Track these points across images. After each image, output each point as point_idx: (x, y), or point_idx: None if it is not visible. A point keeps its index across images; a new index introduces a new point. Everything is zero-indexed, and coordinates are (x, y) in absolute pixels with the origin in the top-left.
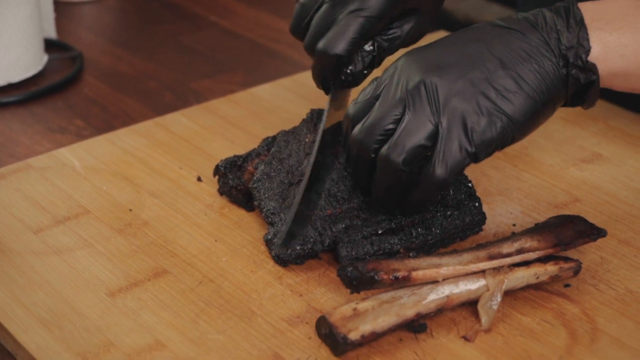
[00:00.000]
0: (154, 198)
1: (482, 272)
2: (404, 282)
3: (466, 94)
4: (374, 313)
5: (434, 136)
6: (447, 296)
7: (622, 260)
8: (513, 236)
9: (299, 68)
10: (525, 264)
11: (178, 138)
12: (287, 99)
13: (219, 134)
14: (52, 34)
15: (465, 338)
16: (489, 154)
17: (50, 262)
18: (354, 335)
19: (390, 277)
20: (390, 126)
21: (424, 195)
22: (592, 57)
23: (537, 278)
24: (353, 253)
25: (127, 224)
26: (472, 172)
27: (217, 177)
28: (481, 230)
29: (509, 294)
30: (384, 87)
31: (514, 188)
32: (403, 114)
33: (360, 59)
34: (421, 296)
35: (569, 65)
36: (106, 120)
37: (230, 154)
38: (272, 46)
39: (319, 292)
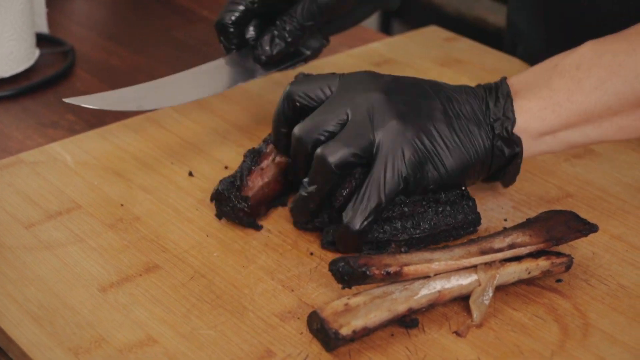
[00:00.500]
0: (145, 193)
1: (474, 267)
2: (396, 278)
3: (409, 125)
4: (365, 308)
5: (369, 151)
6: (439, 291)
7: (614, 255)
8: (504, 231)
9: None
10: (517, 259)
11: (169, 133)
12: (279, 94)
13: (211, 128)
14: (43, 28)
15: (457, 333)
16: (417, 190)
17: (41, 257)
18: (345, 331)
19: (382, 272)
20: (332, 128)
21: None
22: (518, 127)
23: (529, 273)
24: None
25: (119, 219)
26: None
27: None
28: (476, 230)
29: (500, 289)
30: (337, 91)
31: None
32: (347, 121)
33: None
34: (413, 291)
35: (494, 137)
36: (98, 115)
37: (222, 149)
38: None
39: (310, 287)
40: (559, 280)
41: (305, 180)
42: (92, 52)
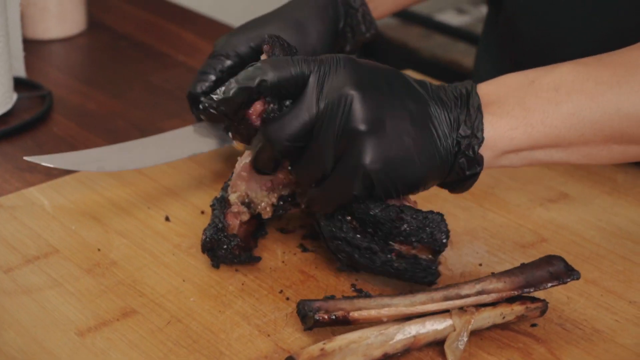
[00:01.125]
0: (122, 238)
1: (448, 312)
2: (344, 322)
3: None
4: (341, 353)
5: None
6: (414, 336)
7: (589, 299)
8: (482, 278)
9: None
10: (492, 303)
11: (146, 178)
12: None
13: (186, 173)
14: (21, 72)
15: None
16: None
17: (20, 302)
18: None
19: (330, 316)
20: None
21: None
22: (483, 145)
23: (504, 318)
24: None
25: (96, 263)
26: (438, 211)
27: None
28: (435, 283)
29: (475, 333)
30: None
31: (480, 228)
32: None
33: None
34: (388, 336)
35: (459, 152)
36: None
37: (199, 193)
38: None
39: (286, 332)
40: (533, 325)
41: None
42: (69, 96)
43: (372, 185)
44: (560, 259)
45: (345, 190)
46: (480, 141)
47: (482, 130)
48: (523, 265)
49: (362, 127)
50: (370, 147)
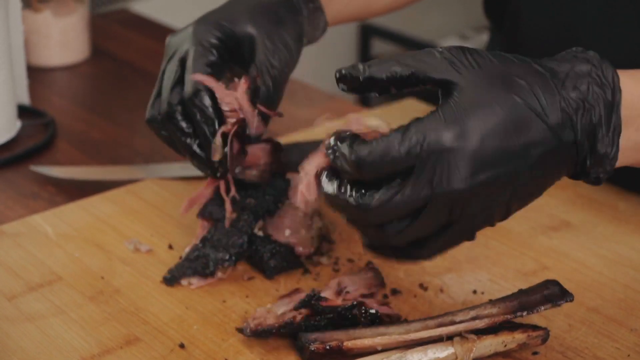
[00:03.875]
0: (125, 265)
1: (451, 340)
2: (338, 352)
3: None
4: None
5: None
6: None
7: (590, 327)
8: (477, 305)
9: (267, 133)
10: (494, 332)
11: (149, 205)
12: None
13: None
14: (25, 99)
15: None
16: None
17: (23, 329)
18: None
19: (325, 347)
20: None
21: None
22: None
23: (505, 346)
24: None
25: (99, 291)
26: None
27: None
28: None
29: None
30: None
31: (482, 256)
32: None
33: None
34: None
35: (583, 174)
36: (78, 187)
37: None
38: None
39: None
40: (535, 353)
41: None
42: (72, 123)
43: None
44: (555, 282)
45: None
46: (611, 168)
47: (616, 157)
48: (520, 291)
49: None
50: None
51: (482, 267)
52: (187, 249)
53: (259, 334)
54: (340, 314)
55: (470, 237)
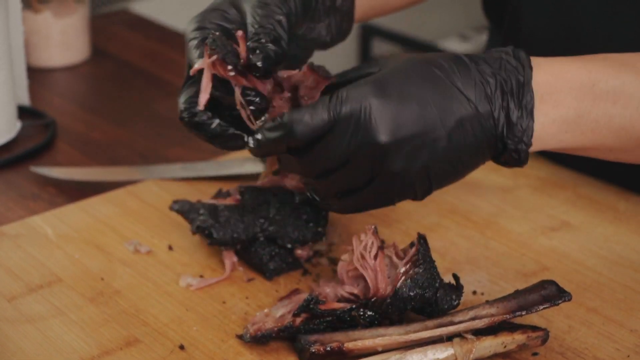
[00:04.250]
0: (125, 267)
1: (451, 342)
2: (339, 354)
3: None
4: None
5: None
6: None
7: (590, 328)
8: (476, 305)
9: None
10: (493, 332)
11: (149, 207)
12: (257, 168)
13: None
14: (25, 100)
15: None
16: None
17: (23, 330)
18: None
19: (325, 348)
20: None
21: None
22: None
23: (505, 347)
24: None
25: (100, 292)
26: (440, 240)
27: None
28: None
29: None
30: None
31: (482, 257)
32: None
33: None
34: None
35: (505, 150)
36: (78, 188)
37: None
38: None
39: None
40: (535, 354)
41: None
42: (73, 124)
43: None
44: (552, 282)
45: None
46: (528, 146)
47: (531, 136)
48: (517, 291)
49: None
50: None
51: (481, 268)
52: None
53: (259, 339)
54: (339, 317)
55: (390, 200)
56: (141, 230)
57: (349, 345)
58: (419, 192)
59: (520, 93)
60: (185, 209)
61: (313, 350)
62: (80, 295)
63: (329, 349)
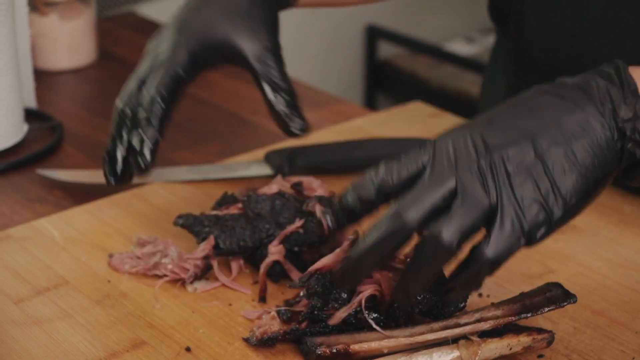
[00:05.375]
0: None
1: (457, 344)
2: (346, 356)
3: (520, 173)
4: None
5: (488, 217)
6: None
7: (595, 330)
8: (481, 307)
9: (275, 139)
10: (499, 334)
11: (156, 209)
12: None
13: (197, 205)
14: (32, 103)
15: None
16: (540, 238)
17: (30, 333)
18: None
19: (331, 350)
20: (441, 203)
21: (468, 279)
22: None
23: (510, 349)
24: None
25: (106, 295)
26: None
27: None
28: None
29: None
30: (431, 158)
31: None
32: (455, 191)
33: None
34: None
35: (625, 138)
36: (85, 191)
37: None
38: (250, 117)
39: None
40: (540, 356)
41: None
42: (79, 127)
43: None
44: (557, 284)
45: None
46: None
47: None
48: (522, 293)
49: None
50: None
51: None
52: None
53: (265, 342)
54: (344, 321)
55: (525, 228)
56: (148, 233)
57: (355, 347)
58: (553, 207)
59: (621, 83)
60: (189, 223)
61: (319, 353)
62: (86, 297)
63: (334, 350)
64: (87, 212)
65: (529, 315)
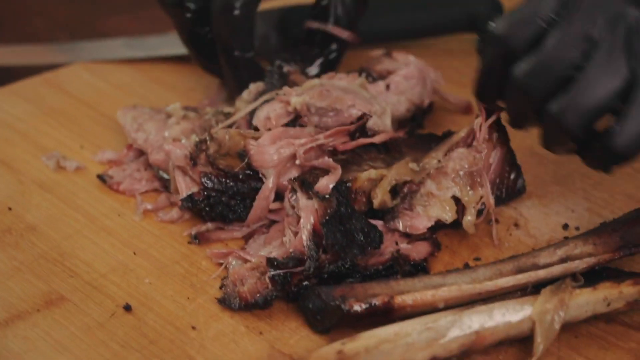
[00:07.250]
0: (43, 191)
1: (525, 295)
2: (387, 313)
3: None
4: (368, 358)
5: (623, 94)
6: (477, 332)
7: None
8: (562, 241)
9: None
10: (592, 284)
11: (78, 102)
12: None
13: (138, 95)
14: None
15: None
16: None
17: None
18: None
19: (365, 305)
20: (568, 72)
21: (596, 165)
22: None
23: (608, 305)
24: None
25: (6, 229)
26: (516, 149)
27: None
28: None
29: (568, 328)
30: (563, 12)
31: (577, 174)
32: (587, 58)
33: None
34: (438, 332)
35: None
36: None
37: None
38: None
39: (287, 330)
40: None
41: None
42: None
43: None
44: None
45: None
46: None
47: None
48: (614, 220)
49: None
50: None
51: (577, 192)
52: None
53: (254, 306)
54: (369, 270)
55: None
56: (66, 137)
57: (399, 300)
58: None
59: None
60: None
61: (347, 309)
62: None
63: (374, 304)
64: None
65: (634, 251)
